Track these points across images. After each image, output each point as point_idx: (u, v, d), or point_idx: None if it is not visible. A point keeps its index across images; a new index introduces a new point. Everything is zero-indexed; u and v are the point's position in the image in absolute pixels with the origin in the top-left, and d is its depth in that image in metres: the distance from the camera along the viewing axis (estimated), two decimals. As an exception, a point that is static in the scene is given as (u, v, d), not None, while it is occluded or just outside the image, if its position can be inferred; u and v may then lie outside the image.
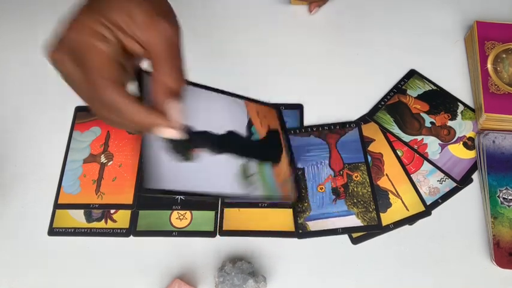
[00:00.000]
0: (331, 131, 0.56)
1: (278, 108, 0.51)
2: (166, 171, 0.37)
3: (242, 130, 0.44)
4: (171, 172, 0.37)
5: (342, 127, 0.56)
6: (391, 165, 0.54)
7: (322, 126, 0.57)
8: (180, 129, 0.35)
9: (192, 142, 0.39)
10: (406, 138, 0.56)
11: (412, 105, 0.58)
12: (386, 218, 0.51)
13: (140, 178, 0.36)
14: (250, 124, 0.45)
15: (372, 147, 0.55)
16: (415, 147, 0.55)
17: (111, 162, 0.55)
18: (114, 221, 0.52)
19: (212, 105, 0.43)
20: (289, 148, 0.49)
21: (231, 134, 0.43)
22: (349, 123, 0.57)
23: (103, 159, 0.56)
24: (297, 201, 0.51)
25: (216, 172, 0.40)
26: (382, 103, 0.58)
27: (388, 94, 0.59)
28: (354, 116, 0.57)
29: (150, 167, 0.36)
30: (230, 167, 0.41)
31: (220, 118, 0.43)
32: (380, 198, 0.52)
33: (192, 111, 0.38)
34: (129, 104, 0.34)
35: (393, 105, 0.58)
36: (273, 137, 0.48)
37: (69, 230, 0.52)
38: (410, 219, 0.52)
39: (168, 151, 0.37)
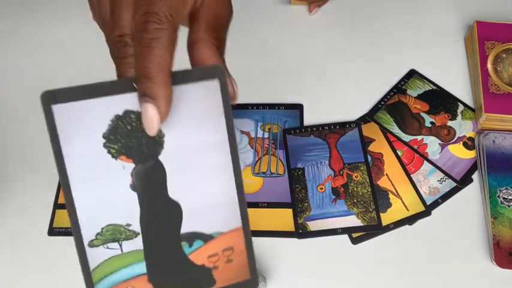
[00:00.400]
0: (331, 131, 0.56)
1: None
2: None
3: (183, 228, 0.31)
4: None
5: (342, 127, 0.56)
6: (391, 165, 0.54)
7: (322, 126, 0.57)
8: None
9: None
10: (406, 138, 0.56)
11: (412, 105, 0.58)
12: (386, 218, 0.51)
13: None
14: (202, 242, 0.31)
15: (372, 147, 0.55)
16: (415, 147, 0.55)
17: (111, 162, 0.55)
18: (114, 221, 0.52)
19: None
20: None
21: (175, 205, 0.30)
22: (349, 123, 0.57)
23: (103, 159, 0.56)
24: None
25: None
26: (382, 103, 0.58)
27: (388, 94, 0.59)
28: (354, 116, 0.57)
29: None
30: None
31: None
32: (380, 198, 0.52)
33: None
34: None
35: (393, 105, 0.58)
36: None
37: (69, 230, 0.52)
38: (410, 219, 0.52)
39: None
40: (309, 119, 0.57)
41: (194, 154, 0.28)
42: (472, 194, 0.53)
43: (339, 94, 0.59)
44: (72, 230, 0.28)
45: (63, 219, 0.53)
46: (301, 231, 0.51)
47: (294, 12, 0.65)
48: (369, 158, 0.55)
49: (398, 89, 0.59)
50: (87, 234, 0.28)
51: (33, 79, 0.62)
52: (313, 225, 0.51)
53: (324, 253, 0.50)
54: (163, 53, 0.25)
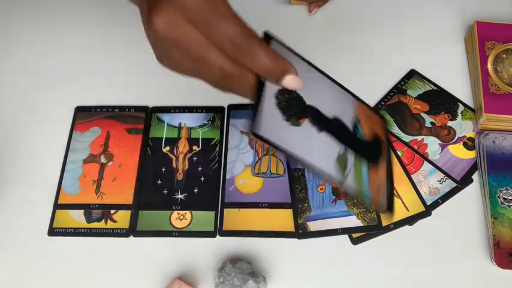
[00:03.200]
0: (331, 131, 0.56)
1: (384, 119, 0.50)
2: (276, 124, 0.38)
3: (348, 123, 0.44)
4: (279, 127, 0.38)
5: (342, 127, 0.56)
6: (391, 166, 0.54)
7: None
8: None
9: (302, 110, 0.40)
10: (406, 138, 0.56)
11: (412, 106, 0.58)
12: (387, 218, 0.51)
13: (250, 120, 0.36)
14: (356, 121, 0.45)
15: (372, 148, 0.55)
16: (415, 147, 0.55)
17: (111, 163, 0.55)
18: (114, 221, 0.52)
19: (325, 89, 0.44)
20: (390, 163, 0.47)
21: (337, 121, 0.43)
22: (349, 123, 0.57)
23: (103, 159, 0.56)
24: (387, 212, 0.46)
25: (318, 148, 0.41)
26: (382, 103, 0.58)
27: (388, 94, 0.58)
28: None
29: (263, 114, 0.37)
30: (330, 149, 0.42)
31: (331, 103, 0.43)
32: (380, 199, 0.52)
33: (306, 86, 0.38)
34: (263, 47, 0.34)
35: (393, 105, 0.58)
36: (377, 143, 0.47)
37: (69, 230, 0.52)
38: (411, 220, 0.52)
39: (279, 109, 0.38)
40: (309, 119, 0.57)
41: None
42: (472, 194, 0.53)
43: (339, 94, 0.59)
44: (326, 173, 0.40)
45: (63, 219, 0.53)
46: (301, 232, 0.51)
47: (294, 12, 0.65)
48: (369, 158, 0.55)
49: (399, 89, 0.59)
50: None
51: (33, 79, 0.62)
52: (313, 226, 0.51)
53: (324, 253, 0.50)
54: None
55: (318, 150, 0.41)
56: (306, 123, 0.40)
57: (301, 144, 0.39)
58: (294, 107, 0.39)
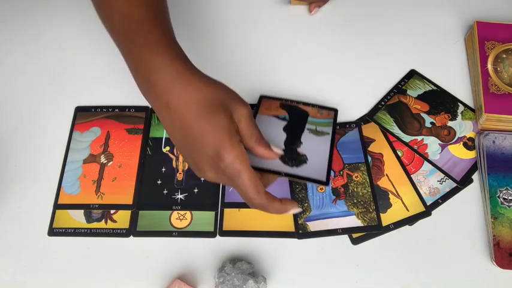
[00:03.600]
0: (331, 131, 0.56)
1: (335, 110, 0.55)
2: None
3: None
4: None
5: (342, 127, 0.56)
6: (391, 166, 0.54)
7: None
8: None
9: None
10: (406, 138, 0.56)
11: (412, 106, 0.58)
12: (387, 218, 0.51)
13: None
14: (306, 115, 0.54)
15: (372, 148, 0.55)
16: (415, 147, 0.55)
17: (111, 163, 0.55)
18: (114, 221, 0.52)
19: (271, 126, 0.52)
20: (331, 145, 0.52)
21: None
22: (349, 123, 0.57)
23: (103, 159, 0.56)
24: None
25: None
26: (382, 103, 0.58)
27: (388, 94, 0.58)
28: (354, 116, 0.57)
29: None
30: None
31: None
32: (380, 199, 0.52)
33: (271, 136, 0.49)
34: (273, 205, 0.43)
35: (393, 105, 0.58)
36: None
37: (69, 230, 0.52)
38: (411, 220, 0.51)
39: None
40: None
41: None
42: (472, 194, 0.53)
43: (339, 94, 0.59)
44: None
45: (63, 219, 0.53)
46: (301, 232, 0.51)
47: (294, 12, 0.65)
48: (369, 158, 0.55)
49: (399, 89, 0.59)
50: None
51: (33, 79, 0.62)
52: (313, 226, 0.51)
53: (324, 253, 0.50)
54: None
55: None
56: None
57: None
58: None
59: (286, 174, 0.47)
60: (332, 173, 0.54)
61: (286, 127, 0.52)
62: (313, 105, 0.55)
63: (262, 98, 0.55)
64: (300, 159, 0.49)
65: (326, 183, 0.47)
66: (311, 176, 0.47)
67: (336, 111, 0.55)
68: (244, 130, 0.43)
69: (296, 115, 0.54)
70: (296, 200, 0.52)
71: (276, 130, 0.51)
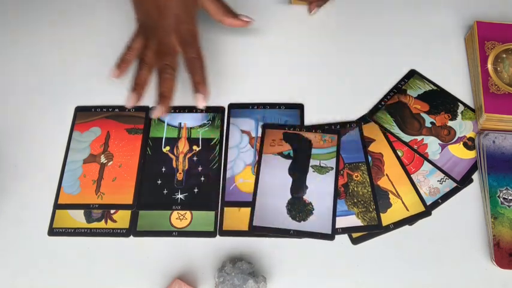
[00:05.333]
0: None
1: (338, 133, 0.56)
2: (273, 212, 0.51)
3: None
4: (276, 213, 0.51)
5: (342, 127, 0.56)
6: (391, 166, 0.54)
7: (323, 125, 0.56)
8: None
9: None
10: (406, 138, 0.56)
11: (412, 105, 0.58)
12: (387, 218, 0.51)
13: (250, 217, 0.51)
14: (310, 147, 0.55)
15: (372, 147, 0.55)
16: (415, 147, 0.55)
17: (111, 163, 0.55)
18: (114, 221, 0.52)
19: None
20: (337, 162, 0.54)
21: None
22: (349, 123, 0.57)
23: (103, 159, 0.56)
24: None
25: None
26: (382, 103, 0.58)
27: (388, 94, 0.58)
28: (354, 116, 0.57)
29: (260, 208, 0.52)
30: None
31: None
32: (380, 199, 0.52)
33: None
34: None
35: (393, 105, 0.58)
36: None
37: (69, 230, 0.52)
38: (411, 220, 0.51)
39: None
40: (309, 119, 0.57)
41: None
42: (472, 194, 0.53)
43: (339, 94, 0.59)
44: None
45: (63, 219, 0.53)
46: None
47: (294, 12, 0.65)
48: (369, 158, 0.55)
49: (399, 89, 0.59)
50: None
51: (33, 79, 0.62)
52: (313, 226, 0.51)
53: (324, 253, 0.50)
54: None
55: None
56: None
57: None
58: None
59: (295, 233, 0.50)
60: (332, 173, 0.54)
61: (291, 167, 0.53)
62: (315, 130, 0.56)
63: (266, 127, 0.56)
64: (307, 211, 0.51)
65: (331, 237, 0.50)
66: (318, 231, 0.50)
67: (339, 133, 0.56)
68: (210, 7, 0.54)
69: (300, 149, 0.55)
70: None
71: (281, 174, 0.53)
